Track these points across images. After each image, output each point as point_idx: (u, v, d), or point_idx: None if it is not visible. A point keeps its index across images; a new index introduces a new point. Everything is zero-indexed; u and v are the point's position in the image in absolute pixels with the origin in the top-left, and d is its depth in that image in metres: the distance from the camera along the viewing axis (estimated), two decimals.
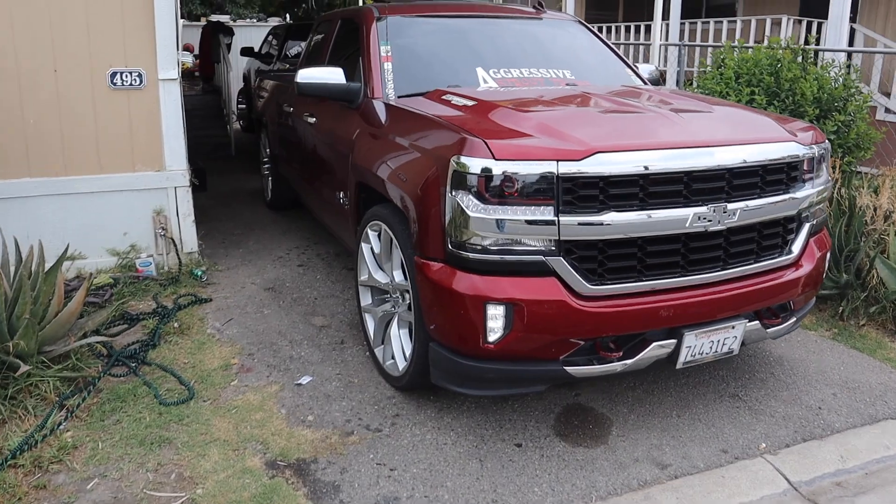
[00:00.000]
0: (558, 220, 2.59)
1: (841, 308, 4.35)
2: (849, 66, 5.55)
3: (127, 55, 4.60)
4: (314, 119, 4.63)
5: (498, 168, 2.57)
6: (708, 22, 10.51)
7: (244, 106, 12.55)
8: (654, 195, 2.70)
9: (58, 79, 4.49)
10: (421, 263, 2.84)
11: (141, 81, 4.64)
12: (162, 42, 4.62)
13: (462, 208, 2.62)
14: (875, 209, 4.52)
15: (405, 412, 3.21)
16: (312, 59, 5.20)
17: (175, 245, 4.85)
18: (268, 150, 6.67)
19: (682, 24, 10.10)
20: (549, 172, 2.56)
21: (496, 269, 2.66)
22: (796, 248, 3.14)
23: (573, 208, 2.61)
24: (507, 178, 2.57)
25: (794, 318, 3.29)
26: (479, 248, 2.65)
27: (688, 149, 2.76)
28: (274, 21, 17.59)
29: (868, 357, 3.91)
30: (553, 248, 2.63)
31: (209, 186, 6.84)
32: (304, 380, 3.50)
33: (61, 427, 3.08)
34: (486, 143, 2.61)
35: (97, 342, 3.66)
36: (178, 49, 4.70)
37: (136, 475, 2.80)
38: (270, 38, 12.37)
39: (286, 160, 5.78)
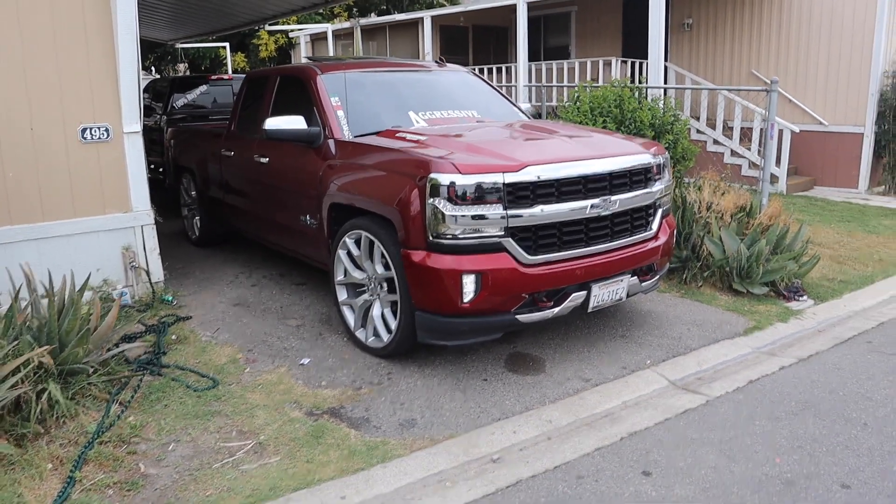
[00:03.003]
0: (507, 213, 3.77)
1: (684, 275, 5.87)
2: (672, 99, 7.27)
3: (95, 112, 5.28)
4: (266, 159, 5.54)
5: (462, 180, 3.72)
6: (551, 63, 12.38)
7: None
8: (564, 193, 3.96)
9: (34, 136, 5.09)
10: (407, 253, 3.91)
11: (108, 135, 5.33)
12: (126, 100, 5.35)
13: (439, 210, 3.73)
14: (700, 202, 6.13)
15: (395, 370, 4.23)
16: (249, 111, 6.09)
17: (148, 275, 5.52)
18: (192, 194, 7.38)
19: (529, 65, 11.85)
20: (497, 181, 3.75)
21: (465, 250, 3.79)
22: (655, 226, 4.54)
23: (514, 205, 3.80)
24: (469, 187, 3.72)
25: (658, 276, 4.69)
26: (451, 236, 3.77)
27: (583, 160, 4.06)
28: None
29: (707, 306, 5.41)
30: (503, 233, 3.81)
31: None
32: (305, 361, 4.42)
33: (123, 414, 3.80)
34: (452, 163, 3.75)
35: (120, 351, 4.35)
36: (140, 105, 5.43)
37: (204, 436, 3.61)
38: (148, 93, 12.75)
39: (222, 199, 6.57)
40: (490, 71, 13.41)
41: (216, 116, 10.29)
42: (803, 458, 3.34)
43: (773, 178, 9.88)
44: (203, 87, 11.42)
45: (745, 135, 10.59)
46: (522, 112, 5.80)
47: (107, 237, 5.46)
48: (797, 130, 10.29)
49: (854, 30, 10.35)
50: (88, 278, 4.40)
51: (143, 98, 12.80)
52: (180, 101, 11.29)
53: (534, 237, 3.89)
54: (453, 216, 3.73)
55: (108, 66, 5.29)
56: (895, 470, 3.23)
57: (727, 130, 10.97)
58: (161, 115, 11.18)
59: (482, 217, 3.76)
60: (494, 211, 3.77)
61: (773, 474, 3.21)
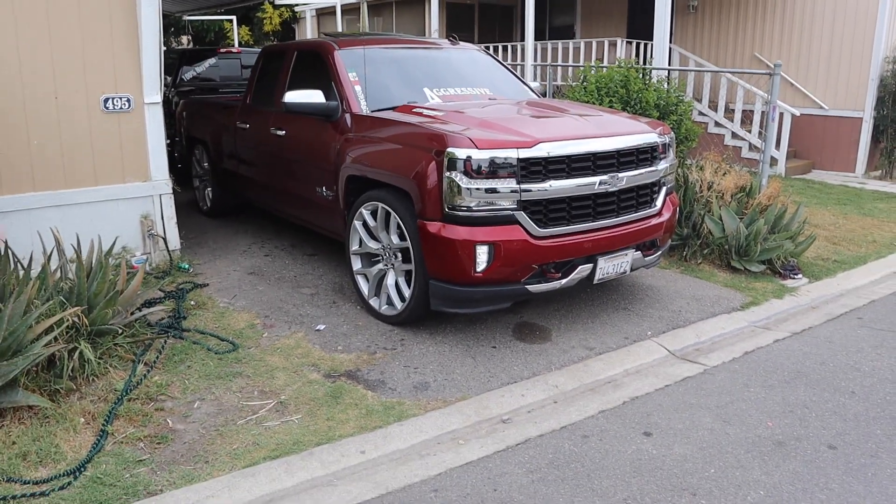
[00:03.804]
0: (520, 188, 3.95)
1: (685, 252, 6.06)
2: (676, 80, 7.41)
3: (117, 83, 5.42)
4: (283, 132, 5.68)
5: (478, 155, 3.89)
6: (556, 43, 12.48)
7: None
8: (575, 169, 4.13)
9: (58, 105, 5.23)
10: (423, 224, 4.08)
11: (129, 105, 5.48)
12: (147, 71, 5.48)
13: (455, 183, 3.90)
14: (701, 181, 6.30)
15: (408, 337, 4.43)
16: (265, 84, 6.22)
17: (166, 243, 5.69)
18: (205, 165, 7.53)
19: (535, 44, 11.93)
20: (511, 156, 3.92)
21: (479, 222, 3.97)
22: (659, 203, 4.72)
23: (527, 179, 3.98)
24: (485, 161, 3.89)
25: (660, 252, 4.88)
26: (466, 208, 3.94)
27: (593, 138, 4.22)
28: None
29: (705, 282, 5.61)
30: (516, 206, 3.98)
31: None
32: (321, 327, 4.61)
33: (149, 374, 3.99)
34: (469, 138, 3.91)
35: (142, 315, 4.54)
36: (161, 76, 5.57)
37: (227, 395, 3.81)
38: None
39: (236, 171, 6.72)
40: (496, 49, 13.48)
41: (225, 90, 10.39)
42: (794, 422, 3.56)
43: (773, 161, 10.04)
44: (212, 60, 11.49)
45: (747, 117, 10.73)
46: (532, 90, 5.94)
47: (126, 205, 5.62)
48: (797, 114, 10.43)
49: (856, 15, 10.46)
50: (114, 244, 4.57)
51: None
52: (189, 73, 11.38)
53: (544, 211, 4.07)
54: (469, 189, 3.90)
55: (131, 37, 5.41)
56: (878, 433, 3.45)
57: (728, 113, 11.11)
58: (170, 87, 11.29)
59: (496, 191, 3.93)
60: (508, 185, 3.94)
61: (765, 436, 3.43)
